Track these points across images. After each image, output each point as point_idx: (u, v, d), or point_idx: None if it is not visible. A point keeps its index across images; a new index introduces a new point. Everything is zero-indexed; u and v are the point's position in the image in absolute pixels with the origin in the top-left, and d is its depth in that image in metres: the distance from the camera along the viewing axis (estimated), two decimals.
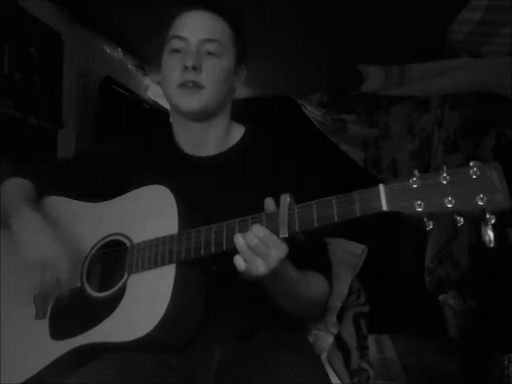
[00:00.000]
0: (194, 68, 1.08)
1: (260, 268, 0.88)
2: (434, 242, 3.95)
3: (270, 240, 0.87)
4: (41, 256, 1.01)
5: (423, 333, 3.77)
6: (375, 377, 1.40)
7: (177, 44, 1.11)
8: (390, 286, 3.82)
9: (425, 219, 0.80)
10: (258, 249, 0.87)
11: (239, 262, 0.90)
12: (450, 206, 0.77)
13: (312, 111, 4.21)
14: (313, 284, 1.05)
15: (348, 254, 1.44)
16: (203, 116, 1.13)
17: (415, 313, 3.92)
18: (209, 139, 1.17)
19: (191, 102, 1.09)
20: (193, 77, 1.08)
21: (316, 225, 0.85)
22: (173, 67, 1.11)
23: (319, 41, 2.98)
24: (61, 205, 1.17)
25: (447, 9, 2.42)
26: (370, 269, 1.49)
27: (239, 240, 0.89)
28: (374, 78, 3.53)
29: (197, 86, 1.09)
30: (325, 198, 0.86)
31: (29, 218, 1.06)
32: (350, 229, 0.98)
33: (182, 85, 1.09)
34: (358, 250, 1.47)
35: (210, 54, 1.10)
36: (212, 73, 1.09)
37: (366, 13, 2.58)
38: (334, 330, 1.33)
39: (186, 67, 1.08)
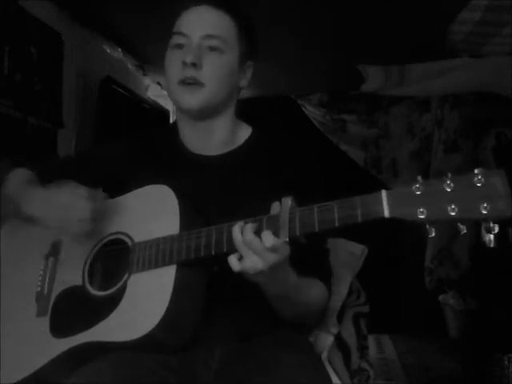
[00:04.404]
0: (194, 64, 1.06)
1: (258, 265, 0.87)
2: (434, 242, 3.95)
3: (268, 240, 0.86)
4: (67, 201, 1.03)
5: (423, 333, 3.76)
6: (375, 377, 1.40)
7: (178, 40, 1.09)
8: (390, 286, 3.82)
9: (427, 226, 0.78)
10: (252, 245, 0.87)
11: (233, 261, 0.89)
12: (453, 213, 0.75)
13: (312, 111, 4.21)
14: (312, 290, 1.05)
15: (348, 254, 1.44)
16: (205, 114, 1.12)
17: (415, 313, 3.92)
18: (213, 138, 1.16)
19: (191, 99, 1.08)
20: (193, 73, 1.06)
21: (317, 229, 0.85)
22: (173, 63, 1.09)
23: (319, 41, 2.98)
24: None
25: (447, 9, 2.42)
26: (369, 269, 1.49)
27: (236, 233, 0.88)
28: (374, 78, 3.52)
29: (197, 83, 1.07)
30: (327, 203, 0.85)
31: (41, 194, 1.08)
32: (350, 229, 0.98)
33: (182, 81, 1.07)
34: (358, 250, 1.47)
35: (211, 50, 1.08)
36: (213, 69, 1.08)
37: (366, 13, 2.58)
38: (334, 330, 1.33)
39: (185, 63, 1.06)
